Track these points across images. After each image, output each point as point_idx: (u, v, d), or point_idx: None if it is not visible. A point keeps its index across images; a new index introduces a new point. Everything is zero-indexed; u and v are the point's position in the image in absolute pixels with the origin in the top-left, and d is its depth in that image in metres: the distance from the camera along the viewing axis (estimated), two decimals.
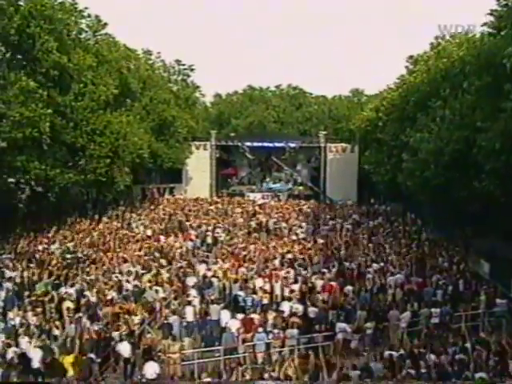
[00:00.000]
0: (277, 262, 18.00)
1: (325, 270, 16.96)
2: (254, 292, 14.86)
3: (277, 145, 38.17)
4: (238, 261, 17.98)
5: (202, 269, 17.09)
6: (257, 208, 31.03)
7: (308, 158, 39.68)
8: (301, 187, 39.51)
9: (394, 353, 10.44)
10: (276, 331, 12.24)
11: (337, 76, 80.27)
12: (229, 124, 46.30)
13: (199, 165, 38.41)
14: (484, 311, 13.84)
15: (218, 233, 23.45)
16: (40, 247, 18.84)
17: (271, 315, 13.19)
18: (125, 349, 11.21)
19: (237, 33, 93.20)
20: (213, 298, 14.51)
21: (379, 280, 16.02)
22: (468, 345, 11.05)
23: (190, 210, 29.28)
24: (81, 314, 12.32)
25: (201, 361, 11.51)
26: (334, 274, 16.62)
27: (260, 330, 12.00)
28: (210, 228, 24.28)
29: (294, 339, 12.14)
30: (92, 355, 10.65)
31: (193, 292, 14.80)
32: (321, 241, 21.81)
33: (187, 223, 25.70)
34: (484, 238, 19.09)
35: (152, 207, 30.55)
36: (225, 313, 13.20)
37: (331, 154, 38.03)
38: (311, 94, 50.08)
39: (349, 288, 15.26)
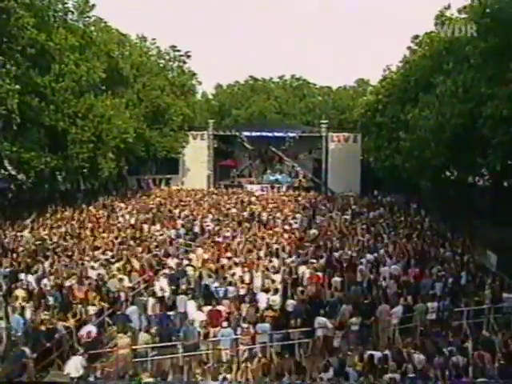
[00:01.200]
0: (262, 252, 16.28)
1: (313, 261, 15.18)
2: (231, 282, 13.18)
3: (276, 134, 36.30)
4: (219, 250, 16.33)
5: (176, 258, 15.43)
6: (253, 199, 29.37)
7: (309, 148, 37.64)
8: (303, 179, 37.63)
9: (375, 353, 8.64)
10: (245, 325, 10.53)
11: (342, 67, 78.02)
12: (230, 115, 44.61)
13: (197, 155, 36.78)
14: (489, 307, 11.85)
15: (206, 222, 21.85)
16: (9, 234, 17.42)
17: (244, 307, 11.49)
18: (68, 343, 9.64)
19: (239, 24, 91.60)
20: (183, 287, 12.88)
21: (372, 271, 14.19)
22: (468, 345, 9.22)
23: (180, 201, 27.69)
24: (24, 303, 10.77)
25: (156, 358, 9.86)
26: (323, 265, 14.81)
27: (225, 324, 10.29)
28: (198, 218, 22.71)
29: (266, 335, 10.42)
30: (25, 348, 9.08)
31: (163, 282, 13.21)
32: (313, 231, 19.99)
33: (176, 212, 24.16)
34: (491, 227, 17.09)
35: (144, 197, 29.03)
36: (191, 304, 11.55)
37: (333, 144, 36.07)
38: (315, 84, 48.08)
39: (336, 279, 13.50)
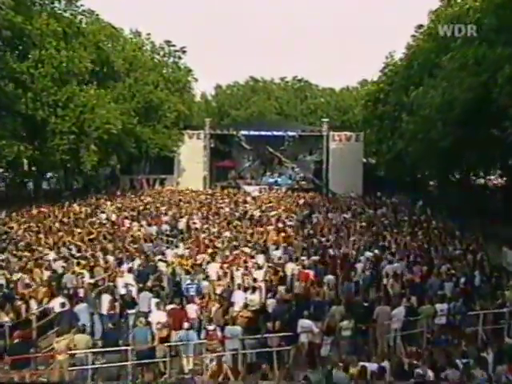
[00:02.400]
0: (247, 249, 14.34)
1: (303, 258, 13.18)
2: (207, 279, 11.27)
3: (275, 134, 34.44)
4: (198, 246, 14.44)
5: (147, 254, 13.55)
6: (248, 199, 27.48)
7: (310, 149, 35.75)
8: (302, 181, 35.66)
9: (369, 364, 6.60)
10: (211, 328, 8.55)
11: (345, 68, 76.34)
12: (229, 116, 42.97)
13: (193, 155, 34.83)
14: (510, 310, 9.74)
15: (192, 219, 19.98)
16: None
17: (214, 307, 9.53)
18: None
19: (240, 24, 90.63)
20: (149, 284, 10.96)
21: (371, 269, 12.16)
22: (487, 355, 7.19)
23: (170, 199, 25.88)
24: None
25: (98, 366, 7.91)
26: (314, 262, 12.81)
27: (186, 325, 8.32)
28: (187, 216, 20.85)
29: (237, 340, 8.42)
30: None
31: (128, 278, 11.30)
32: (308, 228, 18.04)
33: (162, 209, 22.36)
34: (503, 226, 15.00)
35: (133, 196, 27.24)
36: (153, 302, 9.60)
37: (334, 144, 34.08)
38: (317, 86, 46.33)
39: (329, 277, 11.48)
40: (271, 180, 36.04)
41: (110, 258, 12.93)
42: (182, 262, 12.57)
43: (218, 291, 10.83)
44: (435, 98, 13.33)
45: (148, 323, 8.55)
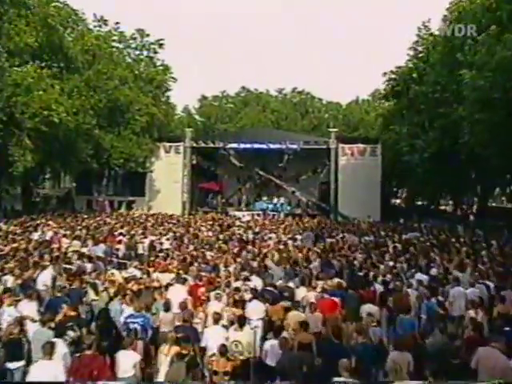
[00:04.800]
0: (232, 268, 10.51)
1: (320, 282, 9.34)
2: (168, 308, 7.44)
3: (272, 147, 31.01)
4: (155, 266, 10.67)
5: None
6: (237, 222, 23.79)
7: (314, 167, 32.14)
8: (307, 208, 32.08)
9: None
10: None
11: (350, 81, 74.58)
12: (215, 131, 39.91)
13: (169, 173, 31.26)
14: None
15: (158, 240, 16.23)
16: None
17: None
18: None
19: (230, 28, 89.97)
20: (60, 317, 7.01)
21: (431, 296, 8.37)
22: None
23: (134, 220, 22.06)
24: None
25: None
26: (339, 284, 9.00)
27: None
28: (153, 238, 17.03)
29: None
30: None
31: (25, 305, 7.39)
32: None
33: (123, 230, 18.53)
34: None
35: (85, 216, 23.31)
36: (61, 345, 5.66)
37: (344, 159, 30.79)
38: (321, 99, 43.81)
39: (370, 307, 7.66)
40: (266, 206, 32.41)
41: (9, 279, 9.00)
42: (126, 286, 8.68)
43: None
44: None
45: None
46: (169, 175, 31.31)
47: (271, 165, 32.74)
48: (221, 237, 17.97)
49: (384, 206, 29.70)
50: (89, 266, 11.33)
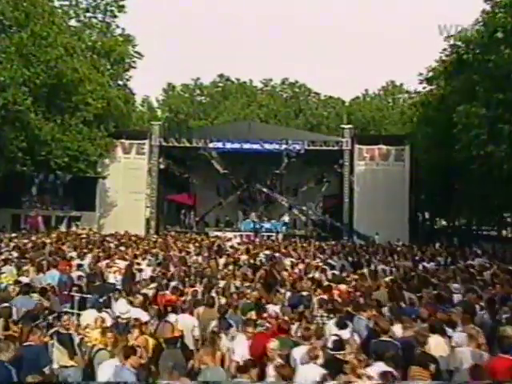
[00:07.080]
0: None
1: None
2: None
3: (267, 147, 27.89)
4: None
5: None
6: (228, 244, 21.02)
7: (321, 173, 29.97)
8: (311, 226, 29.84)
9: None
10: None
11: (355, 73, 72.66)
12: (187, 129, 36.56)
13: (129, 181, 28.52)
14: None
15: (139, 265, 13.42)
16: None
17: None
18: None
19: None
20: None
21: None
22: None
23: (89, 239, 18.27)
24: None
25: None
26: None
27: None
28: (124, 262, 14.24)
29: None
30: None
31: None
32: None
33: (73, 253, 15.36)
34: None
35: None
36: None
37: (362, 164, 28.26)
38: (318, 93, 41.56)
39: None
40: (254, 226, 29.50)
41: None
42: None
43: None
44: None
45: None
46: (128, 183, 28.60)
47: (263, 171, 30.54)
48: (221, 261, 15.60)
49: (413, 226, 27.20)
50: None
